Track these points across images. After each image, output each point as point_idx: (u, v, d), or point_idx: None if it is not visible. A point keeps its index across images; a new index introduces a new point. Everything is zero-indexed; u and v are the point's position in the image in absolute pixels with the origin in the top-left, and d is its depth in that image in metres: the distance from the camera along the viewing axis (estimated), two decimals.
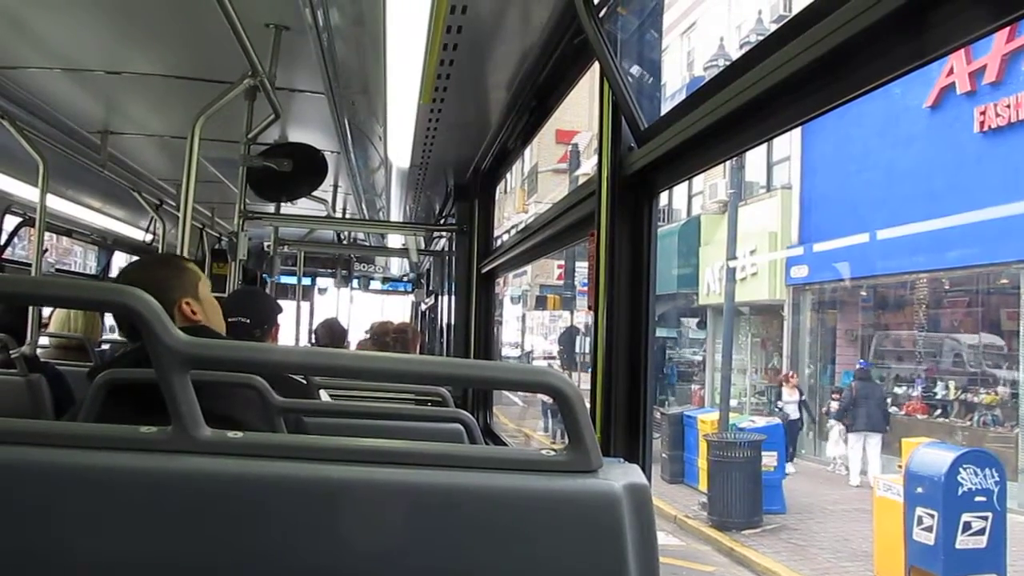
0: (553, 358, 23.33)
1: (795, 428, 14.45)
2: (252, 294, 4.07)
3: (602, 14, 2.44)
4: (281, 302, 3.71)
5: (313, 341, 5.69)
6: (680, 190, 21.21)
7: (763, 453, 11.56)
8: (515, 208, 28.48)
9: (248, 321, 3.11)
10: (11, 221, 5.40)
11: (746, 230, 16.55)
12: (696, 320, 21.09)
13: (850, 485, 13.24)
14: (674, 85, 19.82)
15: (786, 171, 17.40)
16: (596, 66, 2.48)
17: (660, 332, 20.93)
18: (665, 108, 2.22)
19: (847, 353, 15.93)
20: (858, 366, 14.31)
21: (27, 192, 4.86)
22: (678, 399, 19.70)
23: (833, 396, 14.83)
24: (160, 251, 6.46)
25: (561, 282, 24.73)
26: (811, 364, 16.53)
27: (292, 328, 8.16)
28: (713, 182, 18.71)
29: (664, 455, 14.17)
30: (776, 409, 14.76)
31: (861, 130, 14.14)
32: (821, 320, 16.68)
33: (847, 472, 13.67)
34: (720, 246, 17.96)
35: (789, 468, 13.32)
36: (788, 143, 16.66)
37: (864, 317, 15.85)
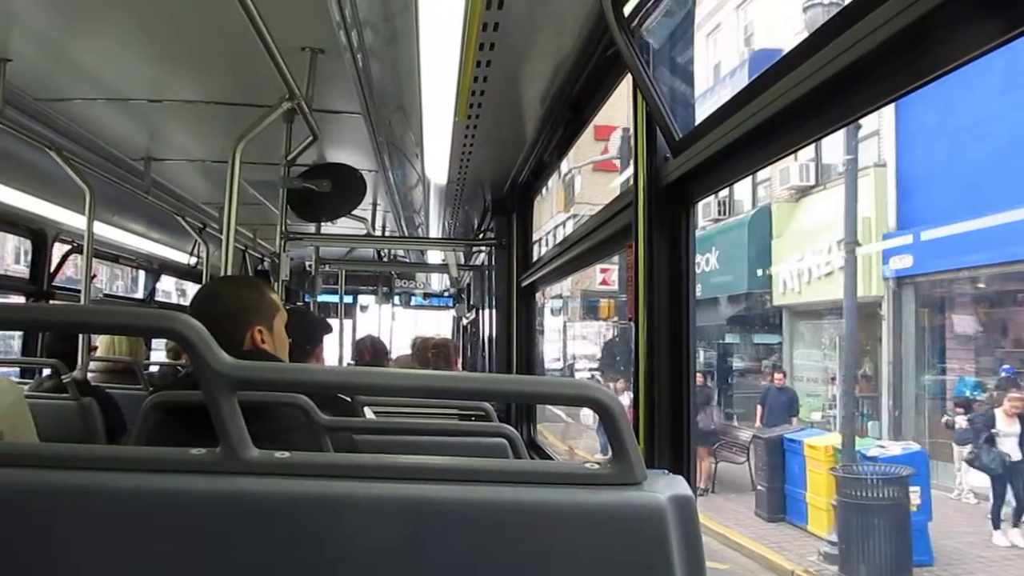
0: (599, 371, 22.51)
1: (1020, 474, 10.00)
2: (296, 314, 4.11)
3: (633, 25, 2.44)
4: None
5: (355, 359, 5.73)
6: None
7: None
8: (556, 207, 27.29)
9: (292, 341, 3.14)
10: (60, 249, 5.52)
11: (827, 218, 14.54)
12: (763, 324, 18.68)
13: (990, 519, 10.25)
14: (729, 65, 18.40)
15: (873, 148, 14.61)
16: (629, 77, 2.49)
17: (727, 338, 19.49)
18: (704, 108, 2.21)
19: (960, 357, 13.27)
20: (1002, 374, 11.73)
21: (74, 220, 4.97)
22: (748, 414, 16.92)
23: (958, 409, 11.63)
24: (205, 274, 6.55)
25: (605, 287, 23.72)
26: (917, 371, 13.84)
27: (336, 346, 8.22)
28: (784, 166, 16.36)
29: (760, 487, 12.03)
30: (981, 444, 10.26)
31: (974, 93, 11.37)
32: (928, 319, 13.87)
33: (976, 502, 11.04)
34: (796, 238, 16.28)
35: (1006, 538, 9.86)
36: (876, 115, 13.60)
37: (985, 315, 13.05)
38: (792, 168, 16.15)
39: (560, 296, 26.62)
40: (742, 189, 19.21)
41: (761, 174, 17.78)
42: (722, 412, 14.86)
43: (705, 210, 19.14)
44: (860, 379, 14.69)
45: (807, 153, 15.77)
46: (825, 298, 15.14)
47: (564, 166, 26.01)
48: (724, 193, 19.10)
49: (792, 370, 16.63)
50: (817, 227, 15.15)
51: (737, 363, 19.62)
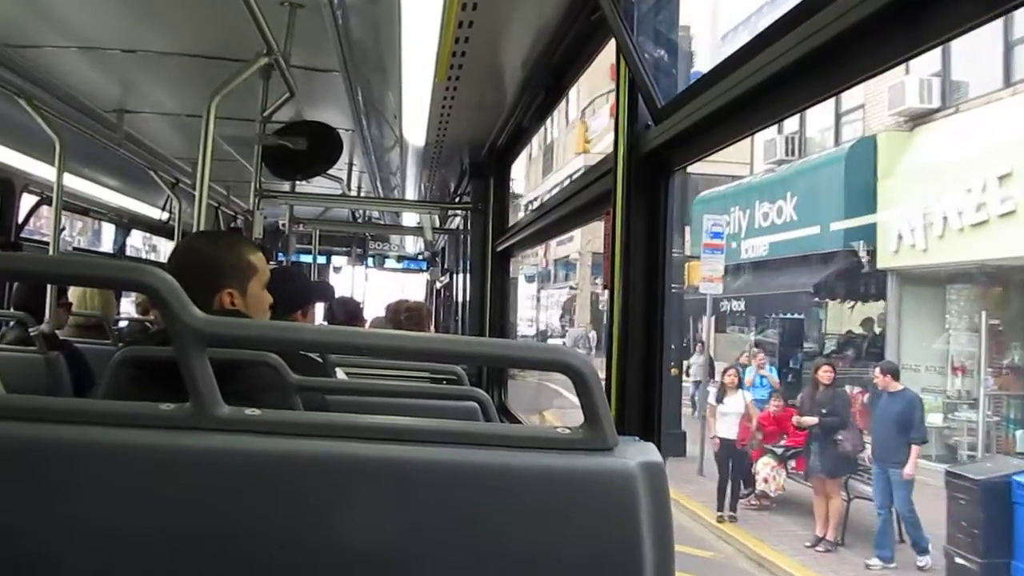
0: None
1: None
2: (281, 274, 4.06)
3: None
4: None
5: (328, 319, 5.72)
6: (816, 109, 13.03)
7: None
8: (575, 150, 22.86)
9: (274, 303, 3.11)
10: (28, 200, 5.43)
11: (972, 148, 10.84)
12: (857, 293, 14.01)
13: None
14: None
15: None
16: (613, 43, 2.47)
17: (799, 314, 15.34)
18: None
19: None
20: None
21: (44, 171, 4.89)
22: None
23: None
24: (177, 230, 6.48)
25: None
26: None
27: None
28: (896, 82, 12.24)
29: (968, 558, 7.29)
30: None
31: None
32: None
33: None
34: (917, 177, 12.16)
35: None
36: None
37: None
38: (908, 86, 12.31)
39: (566, 259, 24.51)
40: (818, 120, 15.26)
41: (850, 99, 14.05)
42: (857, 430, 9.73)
43: (768, 150, 16.50)
44: (1004, 371, 11.25)
45: (930, 65, 12.14)
46: (970, 257, 11.22)
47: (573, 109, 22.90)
48: (792, 128, 15.92)
49: (899, 356, 12.00)
50: (955, 161, 11.26)
51: (814, 346, 15.29)
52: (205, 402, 0.98)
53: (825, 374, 9.78)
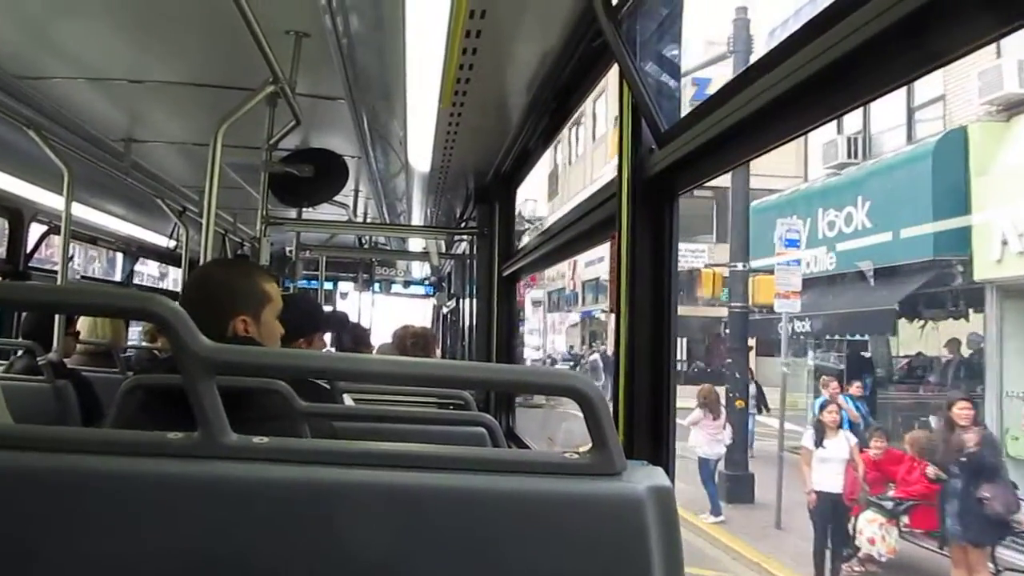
0: None
1: None
2: (289, 301, 4.06)
3: (621, 15, 2.44)
4: None
5: (336, 345, 5.72)
6: (882, 104, 12.21)
7: None
8: (608, 157, 21.92)
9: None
10: (37, 229, 5.46)
11: None
12: (945, 310, 12.34)
13: None
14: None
15: None
16: (616, 67, 2.48)
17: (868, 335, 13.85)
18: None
19: None
20: None
21: (53, 200, 4.92)
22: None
23: None
24: (184, 258, 6.50)
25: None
26: None
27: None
28: (990, 66, 10.86)
29: None
30: None
31: None
32: None
33: None
34: (1020, 174, 10.40)
35: None
36: None
37: None
38: (1005, 70, 10.72)
39: (596, 280, 23.70)
40: (884, 117, 13.59)
41: (925, 91, 12.55)
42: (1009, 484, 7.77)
43: (827, 152, 15.15)
44: None
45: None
46: None
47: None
48: (854, 127, 14.54)
49: (1001, 382, 10.59)
50: None
51: (883, 372, 13.84)
52: (213, 430, 0.98)
53: (962, 412, 7.79)
